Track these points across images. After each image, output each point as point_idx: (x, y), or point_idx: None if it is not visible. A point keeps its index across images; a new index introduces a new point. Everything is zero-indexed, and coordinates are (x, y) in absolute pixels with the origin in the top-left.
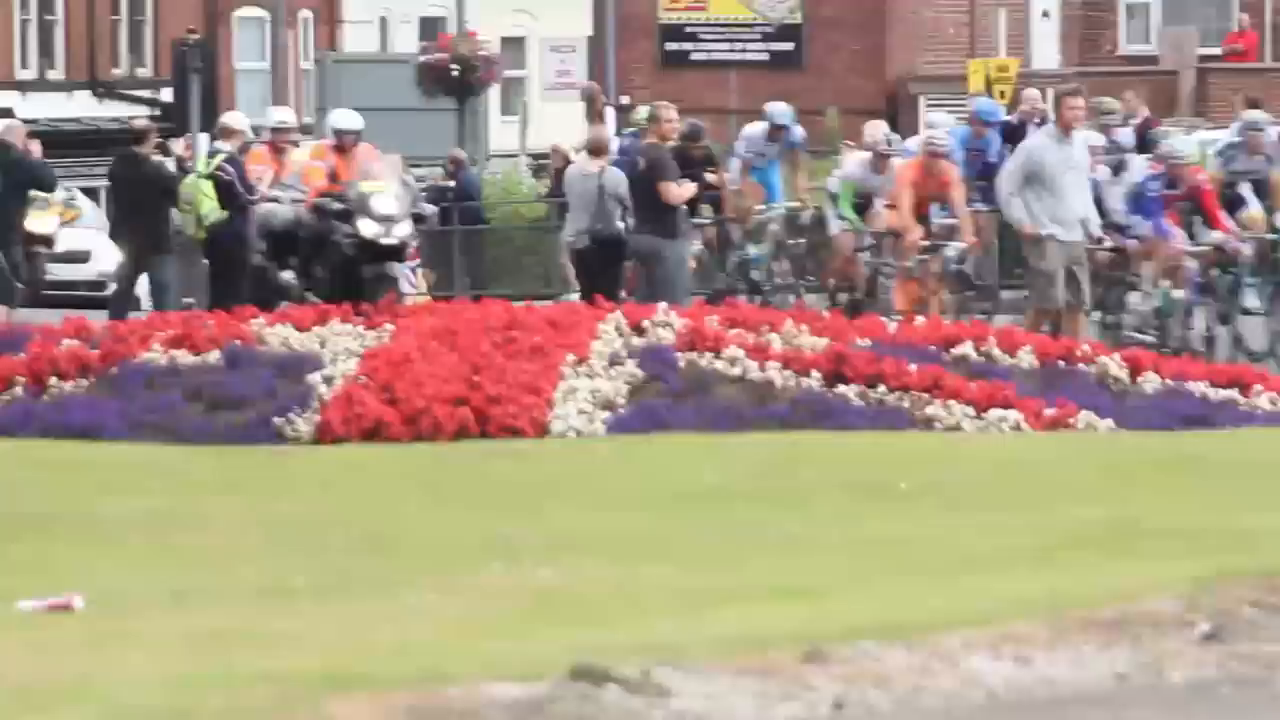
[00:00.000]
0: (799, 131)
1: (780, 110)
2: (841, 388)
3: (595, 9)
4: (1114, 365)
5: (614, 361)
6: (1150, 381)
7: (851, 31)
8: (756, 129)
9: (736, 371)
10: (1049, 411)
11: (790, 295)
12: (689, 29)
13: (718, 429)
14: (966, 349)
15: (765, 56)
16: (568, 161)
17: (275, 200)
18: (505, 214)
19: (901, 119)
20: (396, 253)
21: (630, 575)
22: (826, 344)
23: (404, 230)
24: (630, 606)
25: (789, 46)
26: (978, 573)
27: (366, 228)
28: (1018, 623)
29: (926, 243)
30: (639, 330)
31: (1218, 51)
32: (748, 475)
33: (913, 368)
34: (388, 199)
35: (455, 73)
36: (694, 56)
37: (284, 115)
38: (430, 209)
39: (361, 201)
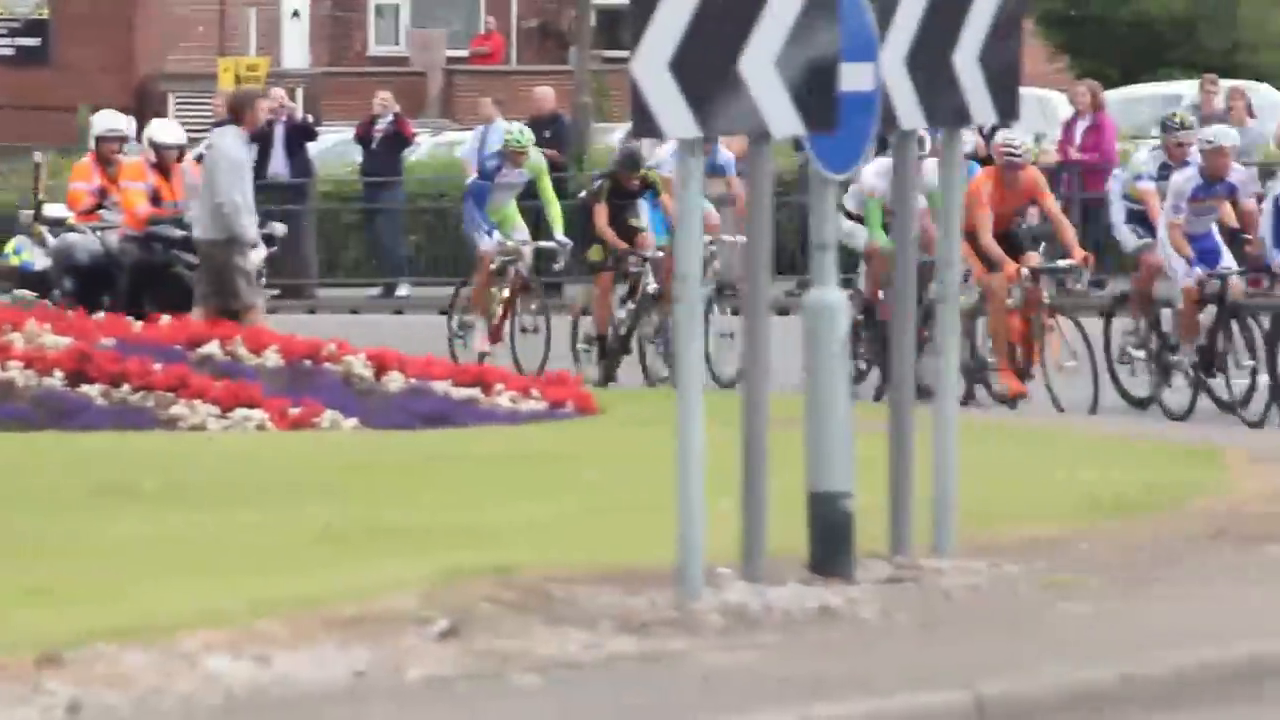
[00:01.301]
0: None
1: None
2: (85, 387)
3: None
4: (359, 364)
5: None
6: (394, 381)
7: (100, 28)
8: None
9: None
10: (294, 411)
11: None
12: None
13: None
14: (213, 348)
15: (11, 52)
16: None
17: (102, 225)
18: None
19: (149, 116)
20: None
21: None
22: (69, 343)
23: (262, 254)
24: None
25: (35, 42)
26: (222, 573)
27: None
28: (259, 622)
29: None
30: None
31: (465, 54)
32: None
33: (158, 367)
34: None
35: None
36: None
37: (112, 121)
38: (280, 227)
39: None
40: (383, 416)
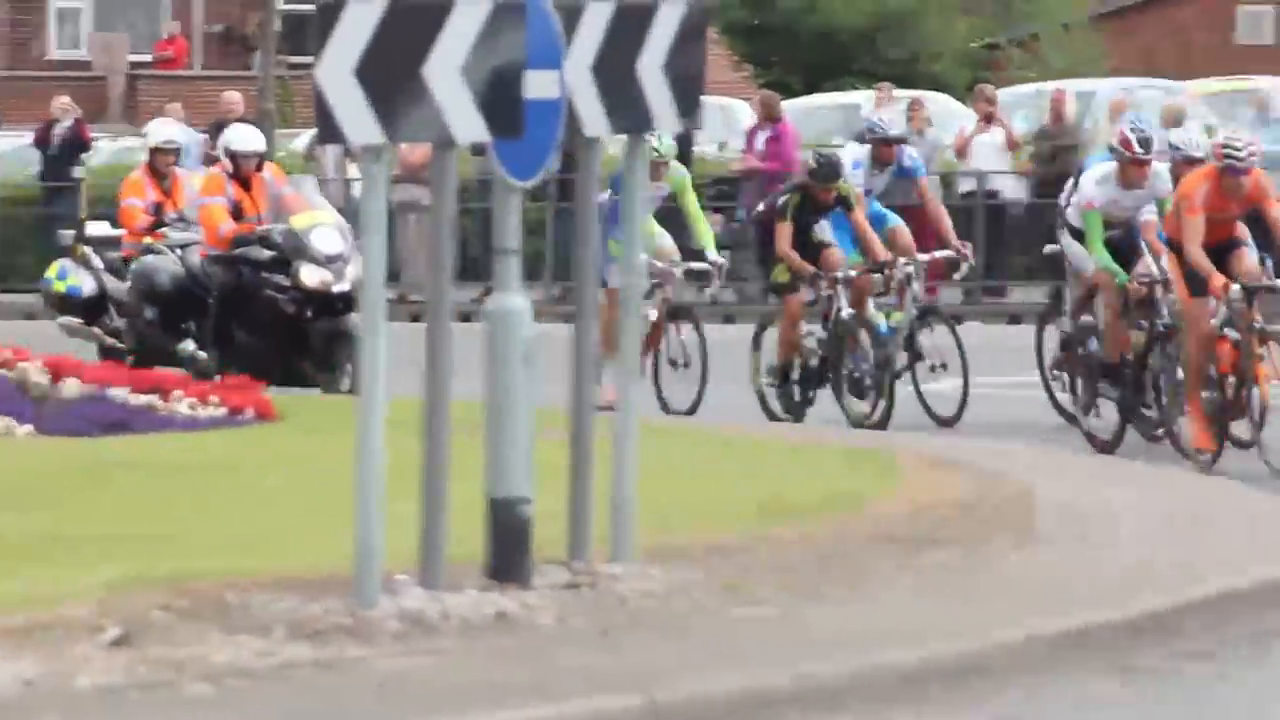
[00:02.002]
0: None
1: None
2: None
3: None
4: (34, 371)
5: None
6: (71, 388)
7: None
8: None
9: None
10: None
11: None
12: None
13: None
14: None
15: None
16: None
17: (159, 248)
18: None
19: None
20: (349, 301)
21: None
22: None
23: (356, 271)
24: None
25: None
26: None
27: (310, 275)
28: None
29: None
30: None
31: (149, 58)
32: None
33: None
34: (330, 233)
35: None
36: None
37: (169, 130)
38: None
39: (297, 241)
40: (59, 423)
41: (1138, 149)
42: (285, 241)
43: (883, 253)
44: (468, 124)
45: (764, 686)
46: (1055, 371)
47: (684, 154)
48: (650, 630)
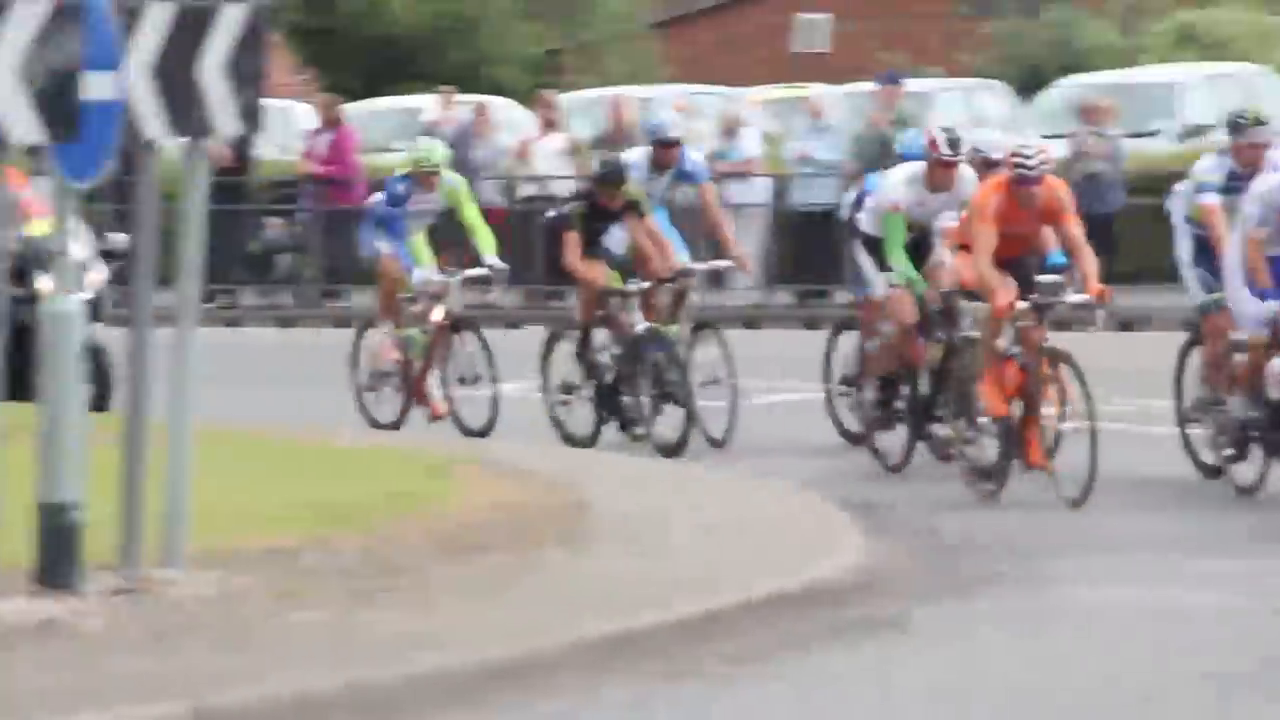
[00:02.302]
0: None
1: None
2: None
3: None
4: None
5: None
6: None
7: None
8: None
9: None
10: None
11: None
12: None
13: None
14: None
15: None
16: None
17: None
18: None
19: None
20: (93, 310)
21: None
22: None
23: (97, 277)
24: None
25: None
26: None
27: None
28: None
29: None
30: None
31: None
32: None
33: None
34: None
35: None
36: None
37: None
38: (120, 238)
39: (35, 249)
40: None
41: (945, 150)
42: (24, 249)
43: (668, 263)
44: (24, 125)
45: (315, 691)
46: (844, 386)
47: (243, 157)
48: (204, 636)
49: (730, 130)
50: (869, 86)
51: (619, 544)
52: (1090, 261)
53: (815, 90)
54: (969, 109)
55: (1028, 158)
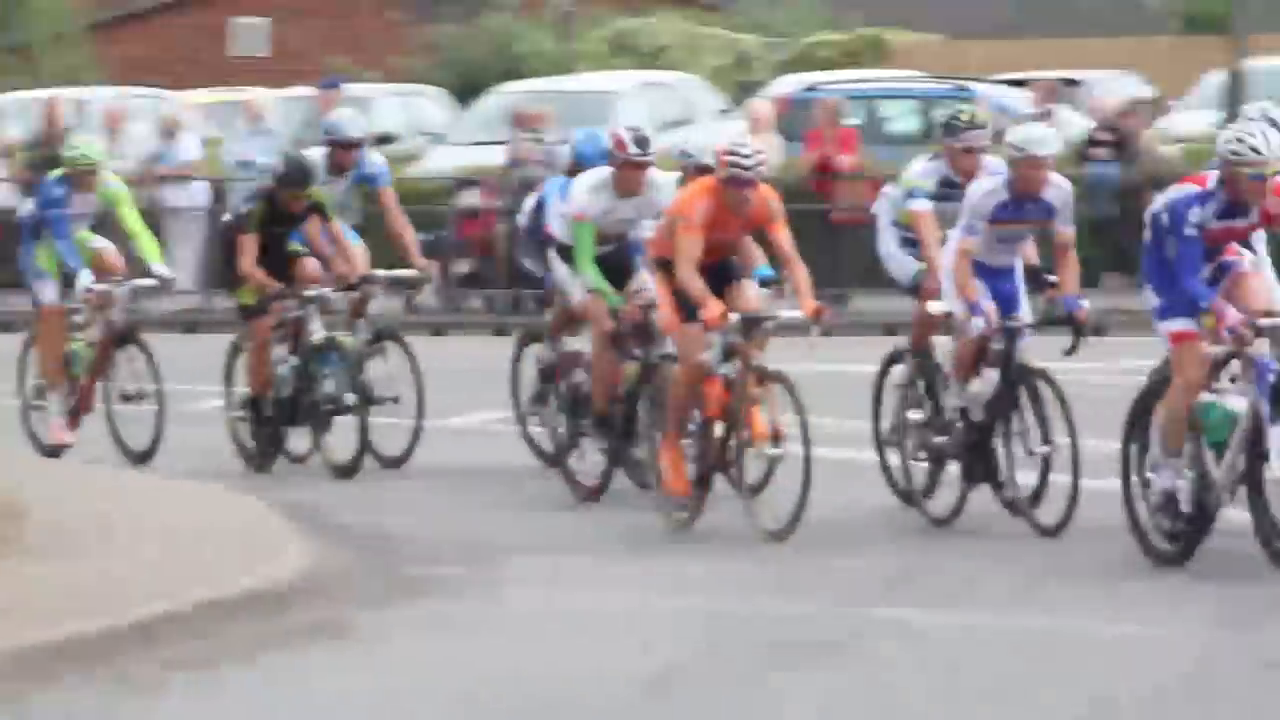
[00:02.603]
0: None
1: None
2: None
3: None
4: None
5: None
6: None
7: None
8: None
9: None
10: None
11: None
12: None
13: None
14: None
15: None
16: None
17: None
18: None
19: None
20: None
21: None
22: None
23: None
24: None
25: None
26: None
27: None
28: None
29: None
30: None
31: None
32: None
33: None
34: None
35: None
36: None
37: None
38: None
39: None
40: None
41: (633, 149)
42: None
43: (356, 269)
44: None
45: None
46: (534, 406)
47: None
48: None
49: (169, 133)
50: (309, 91)
51: (59, 550)
52: (803, 275)
53: (254, 94)
54: (408, 114)
55: (745, 157)
